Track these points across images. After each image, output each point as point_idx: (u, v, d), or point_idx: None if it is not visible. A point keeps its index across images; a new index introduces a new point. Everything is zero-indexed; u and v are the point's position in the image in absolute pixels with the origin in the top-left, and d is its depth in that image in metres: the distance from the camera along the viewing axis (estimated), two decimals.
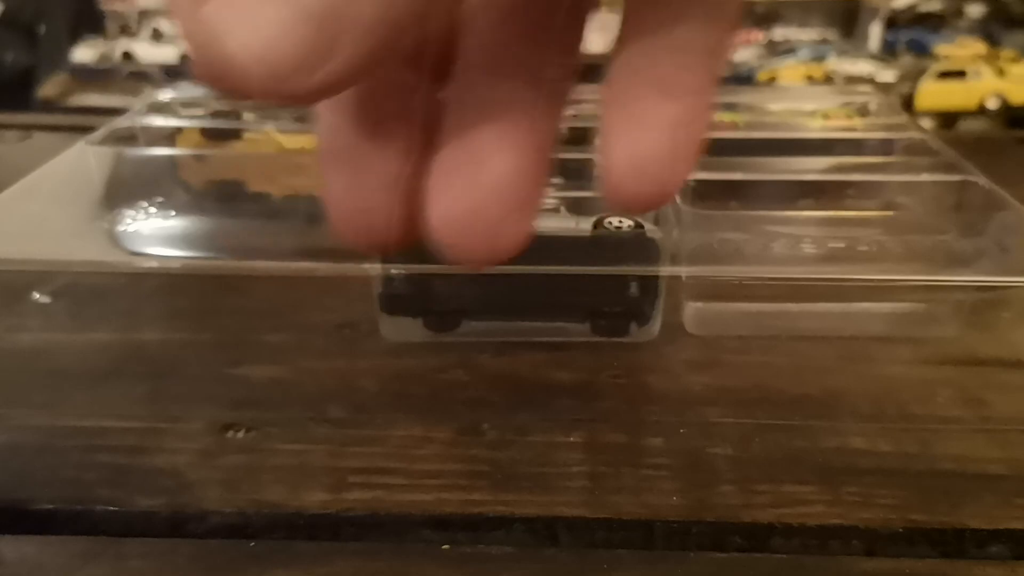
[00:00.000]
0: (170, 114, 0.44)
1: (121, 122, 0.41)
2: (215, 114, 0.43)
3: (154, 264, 0.32)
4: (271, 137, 0.41)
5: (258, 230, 0.36)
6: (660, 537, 0.24)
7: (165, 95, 0.45)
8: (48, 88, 1.75)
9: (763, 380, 0.31)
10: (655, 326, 0.32)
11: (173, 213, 0.35)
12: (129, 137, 0.41)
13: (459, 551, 0.24)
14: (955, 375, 0.31)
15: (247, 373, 0.31)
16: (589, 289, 0.31)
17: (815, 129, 0.43)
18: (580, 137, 0.41)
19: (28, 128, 0.56)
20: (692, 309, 0.33)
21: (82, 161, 0.38)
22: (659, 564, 0.24)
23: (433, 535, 0.24)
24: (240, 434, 0.28)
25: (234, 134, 0.41)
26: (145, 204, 0.34)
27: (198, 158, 0.40)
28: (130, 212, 0.34)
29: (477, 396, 0.30)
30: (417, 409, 0.29)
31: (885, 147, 0.40)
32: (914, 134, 0.40)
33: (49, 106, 1.71)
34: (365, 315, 0.34)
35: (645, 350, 0.32)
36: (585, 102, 0.45)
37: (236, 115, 0.43)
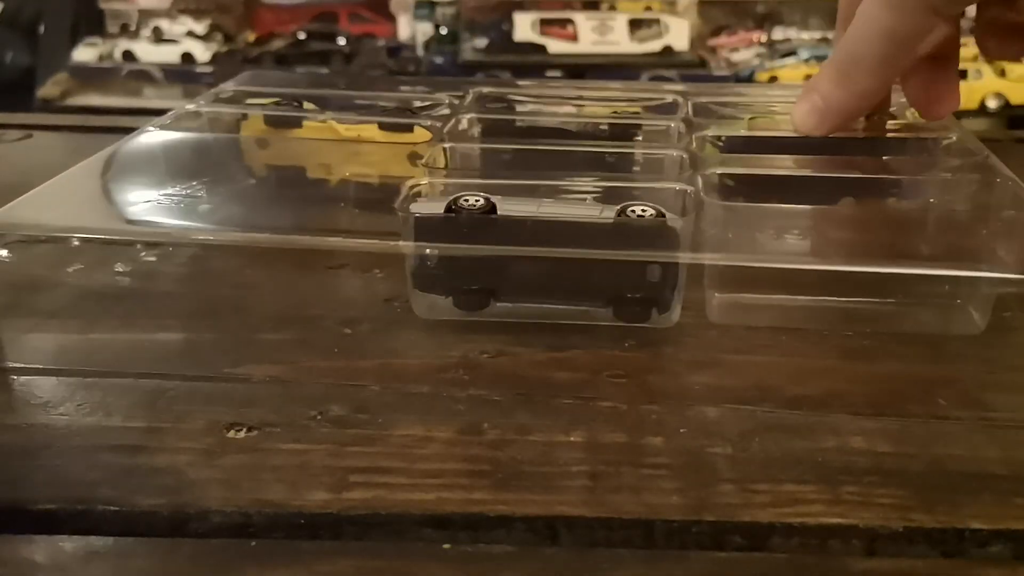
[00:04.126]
0: (235, 103, 0.45)
1: (187, 108, 0.43)
2: (278, 103, 0.45)
3: (209, 238, 0.35)
4: (330, 126, 0.42)
5: (312, 214, 0.38)
6: (660, 536, 0.24)
7: (230, 87, 0.47)
8: (48, 88, 1.75)
9: (763, 380, 0.31)
10: (675, 313, 0.33)
11: (233, 196, 0.37)
12: (195, 122, 0.43)
13: (460, 550, 0.24)
14: (955, 374, 0.31)
15: (248, 372, 0.31)
16: (612, 275, 0.32)
17: (854, 128, 0.43)
18: (622, 133, 0.43)
19: (28, 128, 0.56)
20: (715, 299, 0.33)
21: (149, 143, 0.40)
22: (659, 563, 0.24)
23: (434, 534, 0.24)
24: (241, 433, 0.28)
25: (295, 122, 0.43)
26: (207, 186, 0.36)
27: (260, 143, 0.42)
28: (192, 193, 0.36)
29: (478, 396, 0.30)
30: (418, 409, 0.29)
31: (920, 146, 0.40)
32: (951, 134, 0.40)
33: (49, 106, 1.71)
34: (366, 315, 0.34)
35: (645, 350, 0.32)
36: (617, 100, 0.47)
37: (298, 104, 0.45)
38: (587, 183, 0.37)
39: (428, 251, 0.32)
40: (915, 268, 0.31)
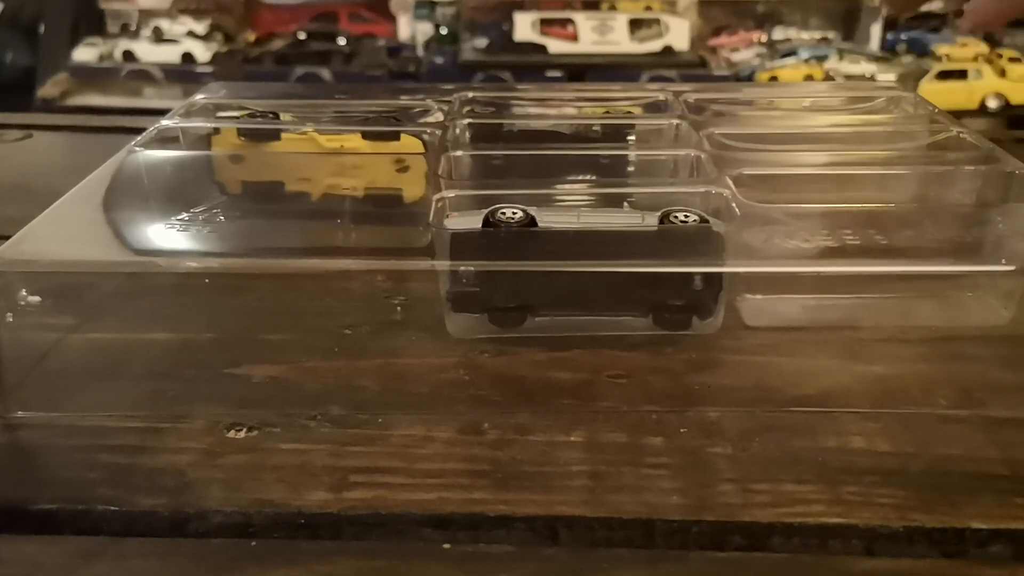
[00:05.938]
0: (208, 115, 0.44)
1: (164, 124, 0.42)
2: (253, 115, 0.43)
3: (196, 264, 0.32)
4: (310, 137, 0.40)
5: (298, 230, 0.36)
6: (660, 536, 0.24)
7: (201, 96, 0.45)
8: (48, 88, 1.75)
9: (763, 380, 0.31)
10: (717, 320, 0.32)
11: (218, 214, 0.35)
12: (172, 139, 0.41)
13: (460, 550, 0.24)
14: (956, 373, 0.31)
15: (248, 372, 0.31)
16: (653, 283, 0.31)
17: (856, 124, 0.43)
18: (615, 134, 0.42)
19: (28, 128, 0.56)
20: (746, 301, 0.33)
21: (131, 165, 0.38)
22: (659, 563, 0.24)
23: (434, 534, 0.24)
24: (241, 433, 0.28)
25: (272, 135, 0.41)
26: (190, 206, 0.34)
27: (235, 159, 0.40)
28: (176, 215, 0.34)
29: (478, 395, 0.30)
30: (418, 408, 0.29)
31: (924, 141, 0.41)
32: (952, 128, 0.40)
33: (49, 106, 1.71)
34: (366, 315, 0.34)
35: (645, 350, 0.32)
36: (615, 100, 0.47)
37: (274, 116, 0.43)
38: (617, 190, 0.36)
39: (463, 268, 0.31)
40: (945, 266, 0.31)
